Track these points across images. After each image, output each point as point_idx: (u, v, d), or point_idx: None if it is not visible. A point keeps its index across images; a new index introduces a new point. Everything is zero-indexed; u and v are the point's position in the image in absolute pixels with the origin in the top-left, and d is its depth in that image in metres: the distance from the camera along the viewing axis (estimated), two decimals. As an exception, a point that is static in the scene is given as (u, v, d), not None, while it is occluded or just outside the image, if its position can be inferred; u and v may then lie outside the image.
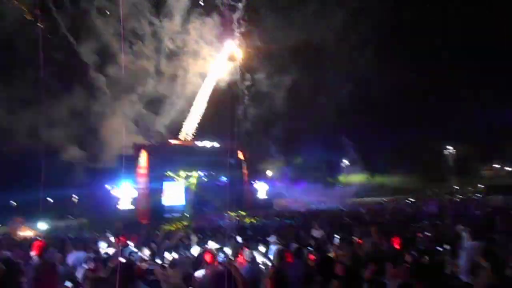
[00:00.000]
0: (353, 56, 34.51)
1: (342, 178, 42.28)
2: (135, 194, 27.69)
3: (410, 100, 38.17)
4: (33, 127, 26.76)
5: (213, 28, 33.18)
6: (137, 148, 29.31)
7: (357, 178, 40.13)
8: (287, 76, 34.41)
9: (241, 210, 27.00)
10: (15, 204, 33.77)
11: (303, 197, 33.34)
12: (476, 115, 35.15)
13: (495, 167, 47.49)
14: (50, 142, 27.73)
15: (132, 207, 27.36)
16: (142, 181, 28.52)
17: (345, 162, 41.21)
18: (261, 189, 35.00)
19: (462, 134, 38.86)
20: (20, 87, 27.16)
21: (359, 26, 33.40)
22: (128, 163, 29.11)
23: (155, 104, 32.61)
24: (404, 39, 35.96)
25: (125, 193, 27.45)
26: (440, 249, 8.01)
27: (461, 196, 32.18)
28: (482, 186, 37.03)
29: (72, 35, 29.55)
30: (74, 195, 33.38)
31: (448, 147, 43.39)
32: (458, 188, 38.85)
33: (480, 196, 30.79)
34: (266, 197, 35.07)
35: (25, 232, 20.78)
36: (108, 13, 29.93)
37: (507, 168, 48.90)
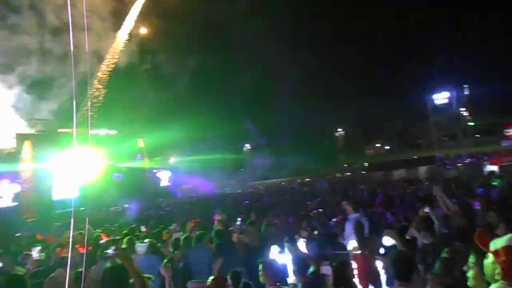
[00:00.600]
0: (257, 39, 35.07)
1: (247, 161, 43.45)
2: (18, 189, 24.78)
3: (311, 87, 40.81)
4: None
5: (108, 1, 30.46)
6: (20, 138, 26.18)
7: (260, 161, 41.61)
8: (190, 58, 33.54)
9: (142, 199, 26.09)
10: None
11: (207, 183, 33.56)
12: (362, 101, 39.22)
13: (376, 146, 53.76)
14: None
15: (15, 203, 24.48)
16: (27, 175, 25.66)
17: (248, 146, 42.48)
18: (164, 177, 34.19)
19: (351, 118, 43.14)
20: None
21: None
22: (10, 155, 25.98)
23: (39, 87, 28.99)
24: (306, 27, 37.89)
25: (5, 189, 24.43)
26: (331, 223, 8.86)
27: (349, 174, 35.72)
28: (366, 163, 41.50)
29: None
30: None
31: (338, 129, 47.69)
32: (346, 166, 42.94)
33: (364, 172, 34.44)
34: (168, 184, 34.38)
35: None
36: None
37: (386, 147, 55.86)
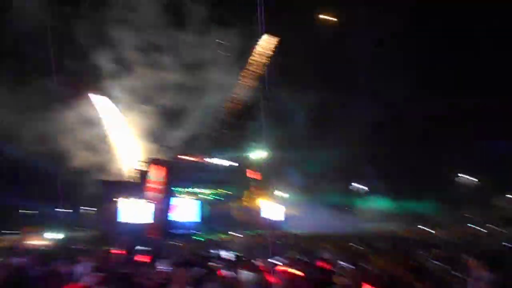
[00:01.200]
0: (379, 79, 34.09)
1: (358, 202, 41.44)
2: (146, 208, 27.72)
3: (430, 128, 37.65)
4: (47, 136, 27.73)
5: (234, 39, 33.33)
6: (151, 162, 29.65)
7: (373, 203, 39.39)
8: (310, 95, 34.03)
9: (252, 230, 26.83)
10: (28, 213, 34.28)
11: (317, 220, 32.83)
12: (488, 145, 34.59)
13: (508, 197, 46.04)
14: (64, 153, 28.46)
15: (143, 221, 27.34)
16: (154, 196, 28.61)
17: (358, 186, 40.57)
18: (274, 210, 34.49)
19: (475, 163, 38.17)
20: (35, 95, 27.97)
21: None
22: (141, 177, 29.51)
23: (172, 116, 32.88)
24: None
25: (135, 207, 27.50)
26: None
27: (473, 226, 31.40)
28: (497, 216, 36.05)
29: (89, 44, 30.26)
30: (86, 208, 33.60)
31: (461, 175, 42.60)
32: (470, 217, 37.83)
33: (494, 226, 29.93)
34: (279, 218, 34.53)
35: (36, 241, 21.00)
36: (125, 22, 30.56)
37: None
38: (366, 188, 41.60)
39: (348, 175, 37.81)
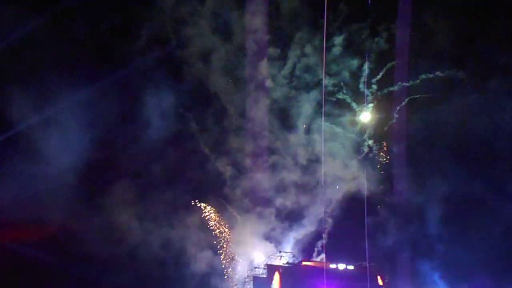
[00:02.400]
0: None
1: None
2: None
3: None
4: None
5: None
6: (270, 269, 29.58)
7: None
8: (441, 188, 31.68)
9: None
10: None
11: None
12: None
13: None
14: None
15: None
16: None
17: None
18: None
19: None
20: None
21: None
22: (262, 284, 29.34)
23: (288, 216, 33.40)
24: None
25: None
26: None
27: None
28: None
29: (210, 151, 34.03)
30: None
31: None
32: None
33: None
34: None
35: None
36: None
37: None
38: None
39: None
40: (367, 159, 34.56)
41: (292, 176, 33.33)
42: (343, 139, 34.10)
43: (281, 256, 30.64)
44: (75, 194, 32.43)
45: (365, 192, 32.90)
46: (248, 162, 33.77)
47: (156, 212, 33.66)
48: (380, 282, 30.44)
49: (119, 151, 33.89)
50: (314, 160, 33.42)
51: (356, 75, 35.10)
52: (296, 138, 34.43)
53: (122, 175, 33.70)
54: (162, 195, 33.82)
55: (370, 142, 35.13)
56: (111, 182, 33.37)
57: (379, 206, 33.76)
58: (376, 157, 34.97)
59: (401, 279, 31.07)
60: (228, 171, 34.13)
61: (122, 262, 32.04)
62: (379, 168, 35.18)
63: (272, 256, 30.80)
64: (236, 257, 33.08)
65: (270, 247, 32.32)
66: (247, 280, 31.05)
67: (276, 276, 28.86)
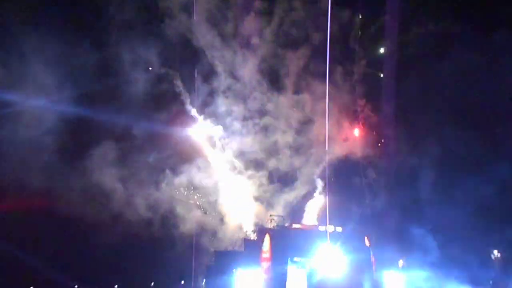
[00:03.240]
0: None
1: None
2: (257, 279, 27.32)
3: None
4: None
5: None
6: (260, 232, 29.79)
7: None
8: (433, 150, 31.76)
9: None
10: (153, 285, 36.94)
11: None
12: None
13: None
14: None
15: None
16: (265, 266, 28.27)
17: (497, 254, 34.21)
18: (394, 280, 31.06)
19: None
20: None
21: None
22: (253, 246, 29.64)
23: (283, 180, 33.28)
24: None
25: (246, 278, 27.25)
26: None
27: None
28: None
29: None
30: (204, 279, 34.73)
31: None
32: None
33: None
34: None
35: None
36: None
37: None
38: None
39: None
40: (358, 120, 34.13)
41: (284, 137, 32.61)
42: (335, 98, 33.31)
43: (271, 219, 30.66)
44: (55, 156, 30.96)
45: (357, 153, 32.92)
46: (237, 124, 32.67)
47: (141, 174, 32.77)
48: (367, 243, 31.21)
49: (99, 111, 32.05)
50: (307, 121, 32.79)
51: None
52: (286, 98, 33.44)
53: (103, 136, 32.18)
54: (147, 156, 32.75)
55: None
56: (92, 143, 31.90)
57: (368, 169, 33.85)
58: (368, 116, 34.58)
59: (388, 240, 31.78)
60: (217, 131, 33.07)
61: (109, 224, 31.45)
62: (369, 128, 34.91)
63: (265, 220, 30.91)
64: (226, 218, 33.08)
65: (260, 208, 32.35)
66: (237, 242, 31.31)
67: (267, 239, 29.05)
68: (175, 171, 32.60)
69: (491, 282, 32.63)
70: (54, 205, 31.44)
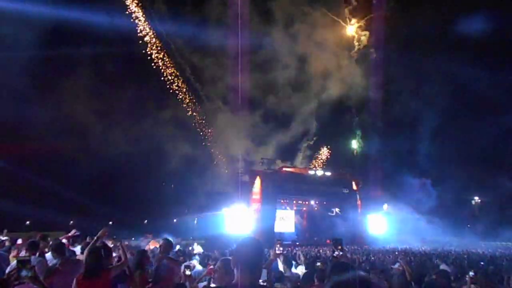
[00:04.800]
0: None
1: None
2: (247, 218, 28.20)
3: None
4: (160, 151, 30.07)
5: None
6: (251, 174, 30.34)
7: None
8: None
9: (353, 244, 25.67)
10: (146, 222, 38.07)
11: (428, 234, 29.90)
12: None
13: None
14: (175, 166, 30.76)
15: (245, 231, 27.80)
16: (255, 207, 29.07)
17: (477, 199, 35.53)
18: (377, 222, 32.51)
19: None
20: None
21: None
22: (244, 187, 30.30)
23: (275, 120, 33.60)
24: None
25: (236, 217, 28.18)
26: None
27: None
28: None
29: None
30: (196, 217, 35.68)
31: None
32: None
33: None
34: (382, 231, 32.43)
35: (153, 246, 22.92)
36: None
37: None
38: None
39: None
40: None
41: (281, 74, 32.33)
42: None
43: (262, 162, 31.14)
44: (26, 87, 28.25)
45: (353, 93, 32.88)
46: (229, 60, 32.09)
47: (123, 107, 32.04)
48: (354, 187, 32.23)
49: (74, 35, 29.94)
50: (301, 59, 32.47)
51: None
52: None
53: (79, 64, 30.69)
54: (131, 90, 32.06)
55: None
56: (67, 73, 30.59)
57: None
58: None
59: (374, 184, 32.73)
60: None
61: (88, 157, 30.60)
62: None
63: (256, 162, 31.38)
64: (217, 155, 33.58)
65: (251, 146, 32.70)
66: (229, 183, 31.94)
67: (257, 181, 29.60)
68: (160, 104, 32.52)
69: (468, 226, 34.13)
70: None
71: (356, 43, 34.67)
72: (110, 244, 6.32)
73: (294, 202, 32.77)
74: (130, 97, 31.45)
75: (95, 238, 5.21)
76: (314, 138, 34.25)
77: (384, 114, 33.79)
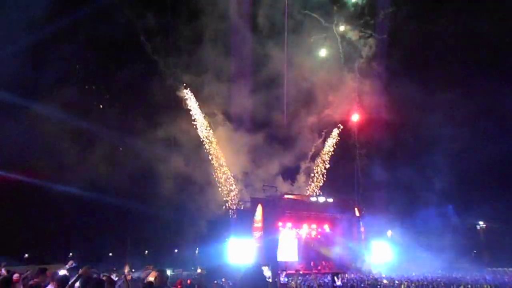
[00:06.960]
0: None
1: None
2: (250, 247, 27.71)
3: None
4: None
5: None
6: (253, 201, 30.08)
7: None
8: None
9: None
10: (147, 253, 37.54)
11: (430, 262, 29.32)
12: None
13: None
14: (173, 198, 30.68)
15: (248, 260, 27.22)
16: (257, 235, 28.62)
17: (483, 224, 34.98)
18: (380, 249, 31.93)
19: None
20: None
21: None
22: (245, 216, 30.02)
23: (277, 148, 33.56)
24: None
25: (238, 246, 27.72)
26: None
27: None
28: None
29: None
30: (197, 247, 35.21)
31: None
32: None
33: None
34: (387, 259, 31.68)
35: (152, 277, 22.50)
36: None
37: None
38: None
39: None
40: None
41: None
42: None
43: (264, 189, 30.98)
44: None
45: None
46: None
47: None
48: (357, 213, 31.85)
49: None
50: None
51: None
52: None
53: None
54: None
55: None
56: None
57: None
58: None
59: (377, 210, 32.42)
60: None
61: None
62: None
63: (257, 190, 31.25)
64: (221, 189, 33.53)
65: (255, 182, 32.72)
66: (230, 211, 31.69)
67: (259, 208, 29.30)
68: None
69: (474, 251, 33.48)
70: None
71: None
72: (114, 277, 6.44)
73: (297, 229, 32.29)
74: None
75: (76, 276, 5.35)
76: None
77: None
